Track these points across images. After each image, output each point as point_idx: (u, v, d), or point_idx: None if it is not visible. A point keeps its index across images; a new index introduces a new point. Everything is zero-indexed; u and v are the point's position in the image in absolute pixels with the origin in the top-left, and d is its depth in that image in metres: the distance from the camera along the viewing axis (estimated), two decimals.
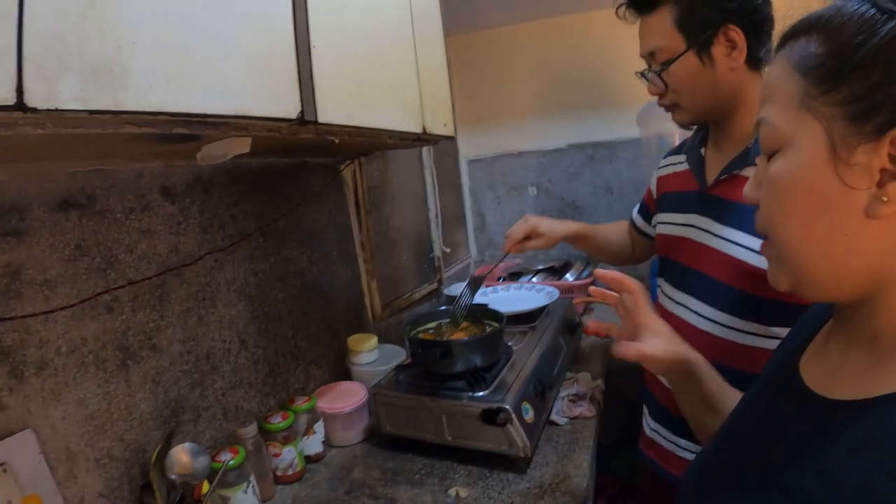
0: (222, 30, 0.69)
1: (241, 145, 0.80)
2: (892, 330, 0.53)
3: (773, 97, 0.57)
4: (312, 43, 0.85)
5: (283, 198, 1.40)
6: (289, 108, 0.80)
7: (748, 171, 1.08)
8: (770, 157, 0.57)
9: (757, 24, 1.06)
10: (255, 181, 1.31)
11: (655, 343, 0.87)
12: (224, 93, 0.68)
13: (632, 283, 0.93)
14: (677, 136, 2.04)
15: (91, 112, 0.53)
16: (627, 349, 0.85)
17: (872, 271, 0.52)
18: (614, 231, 1.66)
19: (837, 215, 0.51)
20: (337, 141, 0.97)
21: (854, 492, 0.46)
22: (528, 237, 1.48)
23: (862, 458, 0.47)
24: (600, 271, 1.01)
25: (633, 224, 1.60)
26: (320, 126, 0.88)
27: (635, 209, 1.61)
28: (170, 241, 1.08)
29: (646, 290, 0.95)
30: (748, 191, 0.62)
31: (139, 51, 0.57)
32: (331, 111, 0.89)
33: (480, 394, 1.20)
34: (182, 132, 0.65)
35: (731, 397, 0.85)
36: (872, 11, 0.49)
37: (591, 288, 0.98)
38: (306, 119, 0.83)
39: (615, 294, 0.95)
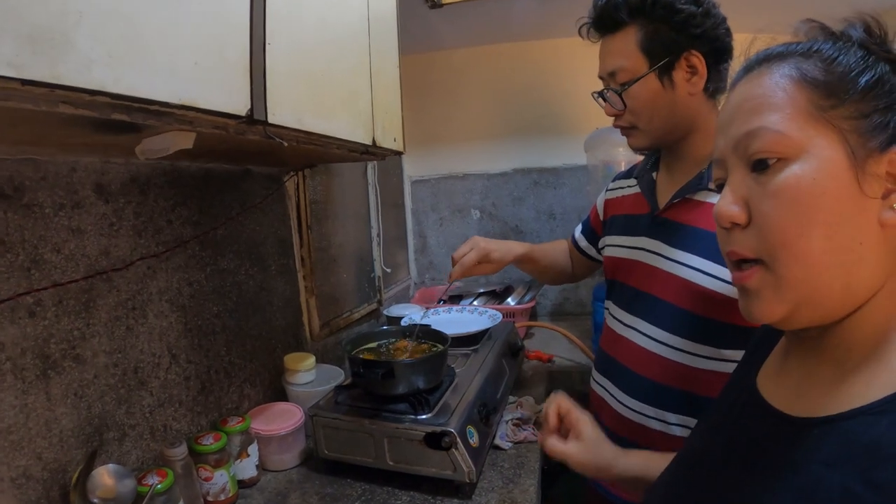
0: (175, 10, 0.64)
1: (185, 140, 0.74)
2: (864, 343, 0.54)
3: (771, 106, 0.56)
4: (268, 39, 0.81)
5: (222, 206, 1.33)
6: (238, 104, 0.75)
7: (701, 196, 1.09)
8: (763, 168, 0.56)
9: (718, 53, 1.09)
10: (195, 186, 1.24)
11: (577, 449, 0.95)
12: (170, 79, 0.63)
13: (552, 407, 1.01)
14: (623, 163, 2.08)
15: (24, 82, 0.47)
16: (553, 447, 0.96)
17: (868, 283, 0.54)
18: (556, 251, 1.66)
19: (856, 223, 0.52)
20: (285, 144, 0.92)
21: None
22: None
23: (841, 472, 0.48)
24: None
25: (574, 243, 1.61)
26: (269, 127, 0.83)
27: (578, 229, 1.62)
28: (100, 243, 1.00)
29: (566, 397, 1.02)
30: (731, 208, 0.57)
31: (84, 21, 0.52)
32: (281, 112, 0.85)
33: (423, 416, 1.16)
34: (122, 118, 0.60)
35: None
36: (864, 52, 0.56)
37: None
38: (255, 118, 0.79)
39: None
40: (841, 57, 0.56)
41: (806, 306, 0.54)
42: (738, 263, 0.59)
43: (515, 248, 1.53)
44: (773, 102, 0.56)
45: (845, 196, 0.52)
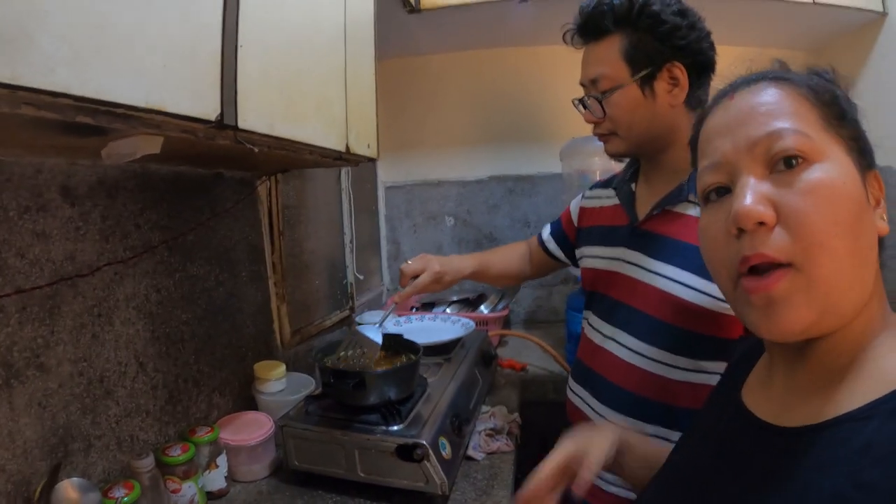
0: (145, 10, 0.62)
1: (152, 144, 0.72)
2: (846, 353, 0.56)
3: (790, 114, 0.58)
4: (240, 42, 0.79)
5: (193, 210, 1.30)
6: (207, 108, 0.73)
7: (681, 208, 1.10)
8: (789, 166, 0.55)
9: (701, 66, 1.10)
10: (165, 190, 1.20)
11: (590, 452, 0.81)
12: (138, 82, 0.61)
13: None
14: (598, 172, 2.08)
15: None
16: (580, 485, 0.78)
17: (869, 290, 0.56)
18: (507, 257, 1.66)
19: (868, 228, 0.56)
20: (256, 150, 0.90)
21: None
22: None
23: (830, 475, 0.49)
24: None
25: (542, 244, 1.60)
26: (240, 132, 0.82)
27: (546, 230, 1.60)
28: (66, 248, 0.97)
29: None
30: (759, 207, 0.54)
31: (49, 20, 0.50)
32: (253, 118, 0.83)
33: (395, 428, 1.14)
34: (87, 122, 0.57)
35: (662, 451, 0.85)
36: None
37: None
38: (225, 123, 0.77)
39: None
40: (835, 88, 0.61)
41: (829, 313, 0.53)
42: (757, 270, 0.55)
43: (465, 267, 1.52)
44: (791, 111, 0.58)
45: (861, 201, 0.55)
